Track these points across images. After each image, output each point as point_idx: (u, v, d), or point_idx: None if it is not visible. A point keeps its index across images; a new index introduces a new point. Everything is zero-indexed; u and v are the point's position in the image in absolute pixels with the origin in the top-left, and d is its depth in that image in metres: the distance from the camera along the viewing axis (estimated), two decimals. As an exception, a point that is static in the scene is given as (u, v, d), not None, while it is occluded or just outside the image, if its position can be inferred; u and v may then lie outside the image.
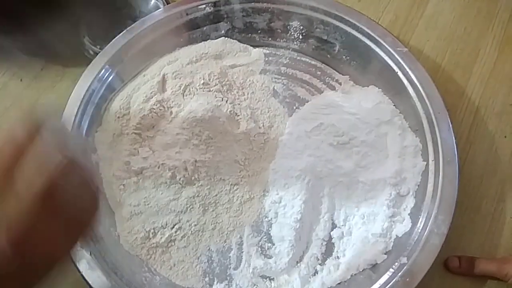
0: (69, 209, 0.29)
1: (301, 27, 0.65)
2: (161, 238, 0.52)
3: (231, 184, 0.55)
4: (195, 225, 0.53)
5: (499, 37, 0.69)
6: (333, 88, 0.64)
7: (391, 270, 0.48)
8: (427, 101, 0.55)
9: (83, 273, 0.46)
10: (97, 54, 0.60)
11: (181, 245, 0.52)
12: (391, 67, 0.59)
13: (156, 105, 0.58)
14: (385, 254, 0.51)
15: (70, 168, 0.29)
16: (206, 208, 0.54)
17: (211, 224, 0.53)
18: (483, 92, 0.64)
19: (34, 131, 0.29)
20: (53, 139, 0.30)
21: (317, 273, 0.52)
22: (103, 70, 0.58)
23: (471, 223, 0.55)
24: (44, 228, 0.28)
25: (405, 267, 0.47)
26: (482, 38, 0.69)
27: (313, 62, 0.66)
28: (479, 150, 0.60)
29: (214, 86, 0.60)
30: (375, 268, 0.50)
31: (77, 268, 0.46)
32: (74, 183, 0.30)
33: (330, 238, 0.54)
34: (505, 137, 0.61)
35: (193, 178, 0.54)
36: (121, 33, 0.60)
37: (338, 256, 0.53)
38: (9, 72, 0.66)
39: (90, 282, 0.46)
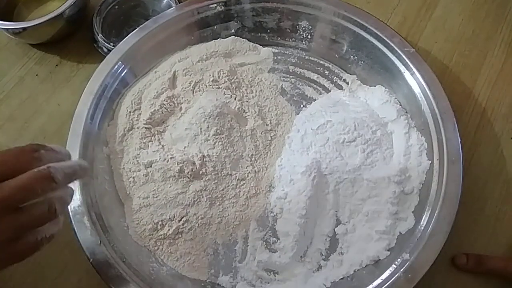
0: (32, 213, 0.33)
1: (310, 27, 0.66)
2: (169, 230, 0.53)
3: (237, 179, 0.56)
4: (201, 218, 0.54)
5: (507, 40, 0.69)
6: (340, 87, 0.65)
7: (394, 266, 0.48)
8: (433, 101, 0.56)
9: (92, 262, 0.48)
10: (110, 51, 0.62)
11: (188, 238, 0.53)
12: (398, 67, 0.60)
13: (167, 101, 0.59)
14: (388, 250, 0.51)
15: (48, 182, 0.33)
16: (213, 202, 0.55)
17: (218, 218, 0.54)
18: (490, 94, 0.65)
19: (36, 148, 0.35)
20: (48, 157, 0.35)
21: (321, 268, 0.53)
22: (116, 66, 0.59)
23: (475, 224, 0.56)
24: (9, 219, 0.32)
25: (407, 263, 0.48)
26: (490, 40, 0.69)
27: (321, 62, 0.66)
28: (484, 151, 0.60)
29: (223, 83, 0.62)
30: (378, 264, 0.51)
31: (87, 256, 0.48)
32: (46, 197, 0.34)
33: (334, 234, 0.55)
34: (511, 138, 0.61)
35: (200, 172, 0.55)
36: (134, 31, 0.62)
37: (341, 252, 0.54)
38: (25, 67, 0.68)
39: (98, 270, 0.47)
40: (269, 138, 0.59)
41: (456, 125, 0.54)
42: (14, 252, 0.33)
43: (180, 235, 0.53)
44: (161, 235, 0.52)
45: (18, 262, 0.34)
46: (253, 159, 0.58)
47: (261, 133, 0.59)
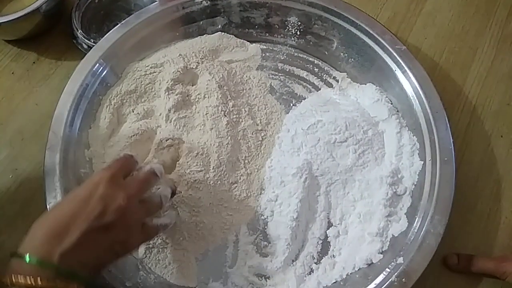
0: (151, 202, 0.44)
1: (299, 23, 0.64)
2: (157, 239, 0.51)
3: (230, 183, 0.54)
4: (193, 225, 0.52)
5: (497, 36, 0.68)
6: (330, 85, 0.63)
7: (387, 270, 0.48)
8: (424, 100, 0.55)
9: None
10: (90, 48, 0.59)
11: (178, 247, 0.51)
12: (389, 65, 0.59)
13: (151, 102, 0.57)
14: (381, 253, 0.51)
15: (155, 176, 0.44)
16: (206, 208, 0.52)
17: (209, 224, 0.52)
18: (480, 91, 0.64)
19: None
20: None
21: (313, 272, 0.52)
22: (97, 65, 0.56)
23: (466, 223, 0.56)
24: (141, 207, 0.42)
25: (401, 267, 0.47)
26: (480, 36, 0.68)
27: (310, 59, 0.65)
28: (475, 150, 0.60)
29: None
30: (371, 268, 0.50)
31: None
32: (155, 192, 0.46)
33: (326, 236, 0.54)
34: (502, 136, 0.61)
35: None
36: (115, 27, 0.59)
37: (333, 255, 0.53)
38: (1, 65, 0.65)
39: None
40: (260, 139, 0.58)
41: (448, 125, 0.54)
42: (144, 233, 0.43)
43: (169, 243, 0.51)
44: (149, 244, 0.50)
45: (146, 241, 0.48)
46: (246, 161, 0.56)
47: (252, 133, 0.57)
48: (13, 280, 0.34)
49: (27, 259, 0.35)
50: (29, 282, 0.33)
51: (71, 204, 0.38)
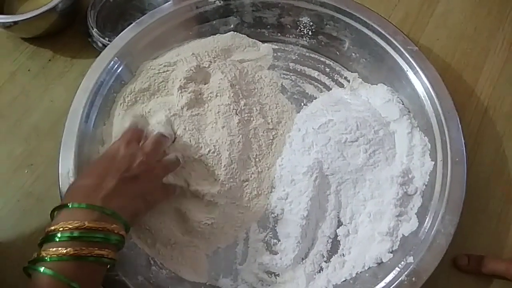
0: (166, 161, 0.50)
1: (311, 23, 0.64)
2: (171, 239, 0.51)
3: (242, 181, 0.55)
4: (204, 224, 0.52)
5: (510, 38, 0.68)
6: (341, 85, 0.64)
7: (397, 269, 0.48)
8: (436, 100, 0.55)
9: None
10: (105, 46, 0.60)
11: (190, 244, 0.51)
12: (400, 65, 0.59)
13: (165, 99, 0.58)
14: (391, 253, 0.51)
15: (164, 138, 0.52)
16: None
17: (220, 223, 0.52)
18: (492, 93, 0.64)
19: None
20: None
21: (322, 270, 0.52)
22: (112, 62, 0.57)
23: (477, 224, 0.55)
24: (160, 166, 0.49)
25: (411, 267, 0.47)
26: (492, 38, 0.68)
27: (322, 59, 0.65)
28: (487, 151, 0.60)
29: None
30: (380, 267, 0.50)
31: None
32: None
33: (336, 235, 0.54)
34: (514, 138, 0.61)
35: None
36: (130, 26, 0.60)
37: (343, 254, 0.53)
38: (17, 62, 0.66)
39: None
40: (271, 137, 0.58)
41: (460, 126, 0.54)
42: (164, 191, 0.50)
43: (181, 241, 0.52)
44: (163, 240, 0.51)
45: (166, 199, 0.50)
46: (257, 159, 0.56)
47: (263, 132, 0.58)
48: (61, 226, 0.37)
49: (73, 205, 0.39)
50: (78, 224, 0.37)
51: (101, 163, 0.45)
